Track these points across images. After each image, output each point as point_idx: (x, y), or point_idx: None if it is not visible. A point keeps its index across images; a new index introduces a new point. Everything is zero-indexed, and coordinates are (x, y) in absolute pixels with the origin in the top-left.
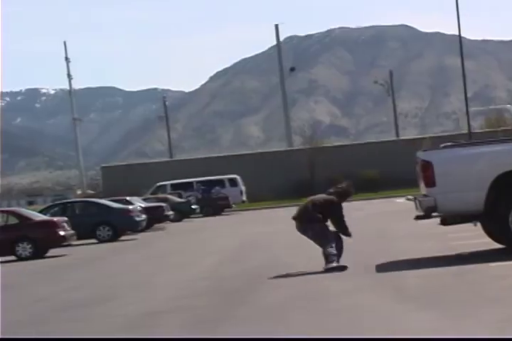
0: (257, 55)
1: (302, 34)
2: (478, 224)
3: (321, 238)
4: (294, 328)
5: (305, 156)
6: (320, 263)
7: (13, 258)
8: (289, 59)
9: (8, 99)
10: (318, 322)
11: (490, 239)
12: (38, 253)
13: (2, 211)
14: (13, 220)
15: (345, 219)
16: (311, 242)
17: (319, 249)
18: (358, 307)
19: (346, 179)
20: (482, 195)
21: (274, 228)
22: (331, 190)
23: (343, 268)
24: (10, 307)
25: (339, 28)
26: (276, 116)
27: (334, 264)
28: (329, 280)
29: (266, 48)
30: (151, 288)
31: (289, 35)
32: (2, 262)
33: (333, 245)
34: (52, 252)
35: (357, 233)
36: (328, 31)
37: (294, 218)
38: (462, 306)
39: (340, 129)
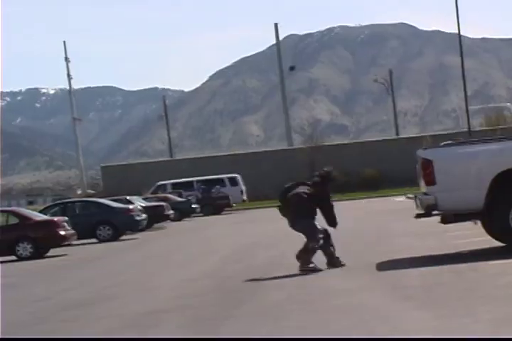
0: (256, 54)
1: (302, 33)
2: (479, 223)
3: (308, 233)
4: (295, 327)
5: (305, 155)
6: (322, 262)
7: (13, 258)
8: (289, 58)
9: (8, 99)
10: (320, 321)
11: (490, 237)
12: (39, 253)
13: (2, 211)
14: (13, 220)
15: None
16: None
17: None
18: (359, 306)
19: (346, 177)
20: (482, 193)
21: (275, 227)
22: (311, 181)
23: (319, 270)
24: (10, 307)
25: (339, 26)
26: (276, 115)
27: (311, 265)
28: (331, 279)
29: (266, 47)
30: (151, 288)
31: (288, 33)
32: (2, 262)
33: (318, 244)
34: (52, 252)
35: (358, 231)
36: (327, 30)
37: (284, 215)
38: (461, 304)
39: (340, 128)
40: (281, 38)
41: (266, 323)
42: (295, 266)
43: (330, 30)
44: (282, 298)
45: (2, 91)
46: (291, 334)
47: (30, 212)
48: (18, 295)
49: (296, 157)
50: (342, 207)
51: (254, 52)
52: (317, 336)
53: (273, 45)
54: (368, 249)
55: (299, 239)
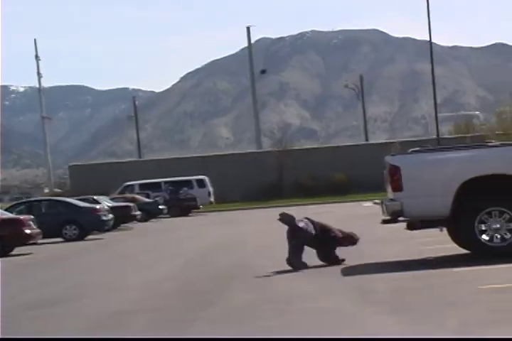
0: (228, 57)
1: (274, 36)
2: (444, 230)
3: (293, 252)
4: (262, 329)
5: (274, 159)
6: (286, 266)
7: None
8: (260, 61)
9: None
10: (286, 323)
11: (455, 245)
12: (3, 251)
13: None
14: None
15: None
16: (279, 244)
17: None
18: (323, 309)
19: (314, 181)
20: (448, 201)
21: (241, 230)
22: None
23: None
24: None
25: (311, 31)
26: (247, 118)
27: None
28: (296, 282)
29: (237, 50)
30: (117, 288)
31: (260, 37)
32: None
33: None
34: (17, 250)
35: None
36: (300, 34)
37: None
38: (424, 310)
39: (310, 132)
40: (253, 41)
41: (233, 325)
42: (263, 268)
43: (302, 34)
44: (249, 300)
45: None
46: (257, 335)
47: None
48: None
49: (265, 160)
50: (310, 212)
51: (225, 55)
52: (286, 336)
53: (245, 48)
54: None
55: (267, 242)
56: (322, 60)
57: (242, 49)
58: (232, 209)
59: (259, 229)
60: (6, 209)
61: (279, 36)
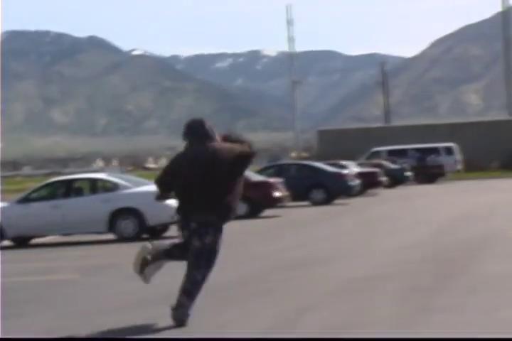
0: (481, 22)
1: None
2: None
3: None
4: (503, 302)
5: None
6: None
7: None
8: None
9: (230, 60)
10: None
11: None
12: (252, 213)
13: None
14: None
15: None
16: None
17: None
18: None
19: None
20: None
21: (492, 198)
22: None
23: None
24: (226, 266)
25: None
26: (498, 85)
27: None
28: None
29: (491, 15)
30: (364, 253)
31: None
32: None
33: None
34: (266, 213)
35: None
36: None
37: None
38: None
39: None
40: (508, 5)
41: (478, 297)
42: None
43: None
44: (499, 271)
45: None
46: (509, 309)
47: (248, 172)
48: (234, 254)
49: None
50: None
51: (478, 20)
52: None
53: (499, 13)
54: None
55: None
56: None
57: (497, 13)
58: (481, 177)
59: (509, 199)
60: (258, 172)
61: None
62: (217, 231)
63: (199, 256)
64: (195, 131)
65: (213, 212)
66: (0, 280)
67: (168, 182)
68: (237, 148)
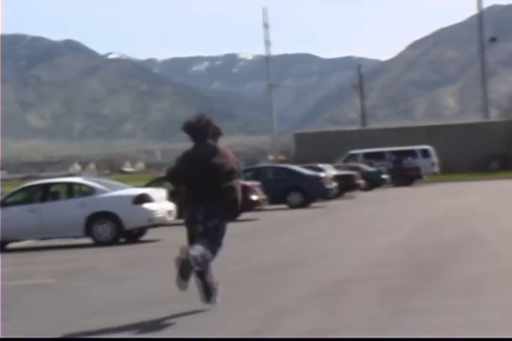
0: (456, 25)
1: (506, 3)
2: None
3: None
4: (495, 303)
5: (501, 129)
6: None
7: None
8: (490, 29)
9: (206, 63)
10: (510, 302)
11: None
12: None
13: None
14: None
15: None
16: (507, 216)
17: None
18: None
19: None
20: None
21: (468, 201)
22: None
23: None
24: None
25: None
26: (473, 88)
27: None
28: None
29: (466, 18)
30: (341, 256)
31: (491, 4)
32: None
33: None
34: (244, 216)
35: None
36: None
37: None
38: None
39: None
40: (483, 8)
41: (459, 299)
42: (490, 240)
43: None
44: (477, 273)
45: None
46: (487, 311)
47: None
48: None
49: (493, 131)
50: None
51: (454, 23)
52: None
53: (474, 16)
54: None
55: (490, 213)
56: None
57: (472, 16)
58: (457, 180)
59: (485, 201)
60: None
61: (510, 3)
62: (221, 221)
63: (203, 236)
64: (195, 131)
65: (216, 204)
66: None
67: (178, 177)
68: (230, 162)
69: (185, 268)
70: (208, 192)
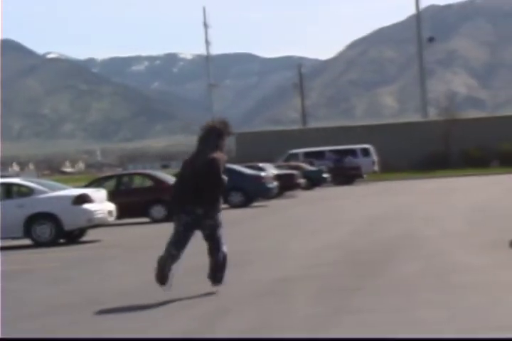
0: (395, 25)
1: (442, 3)
2: None
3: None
4: (425, 301)
5: (440, 128)
6: (457, 237)
7: (146, 220)
8: (428, 29)
9: (146, 63)
10: (453, 297)
11: None
12: (171, 216)
13: (138, 173)
14: (147, 183)
15: None
16: (446, 215)
17: (456, 222)
18: (493, 283)
19: (482, 152)
20: None
21: (406, 200)
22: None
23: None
24: (138, 270)
25: None
26: (412, 87)
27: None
28: (463, 255)
29: (404, 17)
30: (281, 255)
31: (428, 4)
32: (135, 223)
33: None
34: None
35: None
36: (469, 1)
37: None
38: None
39: (478, 102)
40: (421, 8)
41: (395, 296)
42: (428, 239)
43: (472, 1)
44: (414, 271)
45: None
46: (424, 308)
47: (165, 175)
48: (151, 256)
49: (431, 129)
50: (481, 183)
51: (393, 23)
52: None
53: (412, 16)
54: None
55: (435, 212)
56: (492, 27)
57: (410, 16)
58: (397, 178)
59: (424, 200)
60: (174, 175)
61: (447, 3)
62: (214, 217)
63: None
64: (201, 137)
65: (202, 205)
66: None
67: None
68: (215, 171)
69: (163, 276)
70: (195, 195)
